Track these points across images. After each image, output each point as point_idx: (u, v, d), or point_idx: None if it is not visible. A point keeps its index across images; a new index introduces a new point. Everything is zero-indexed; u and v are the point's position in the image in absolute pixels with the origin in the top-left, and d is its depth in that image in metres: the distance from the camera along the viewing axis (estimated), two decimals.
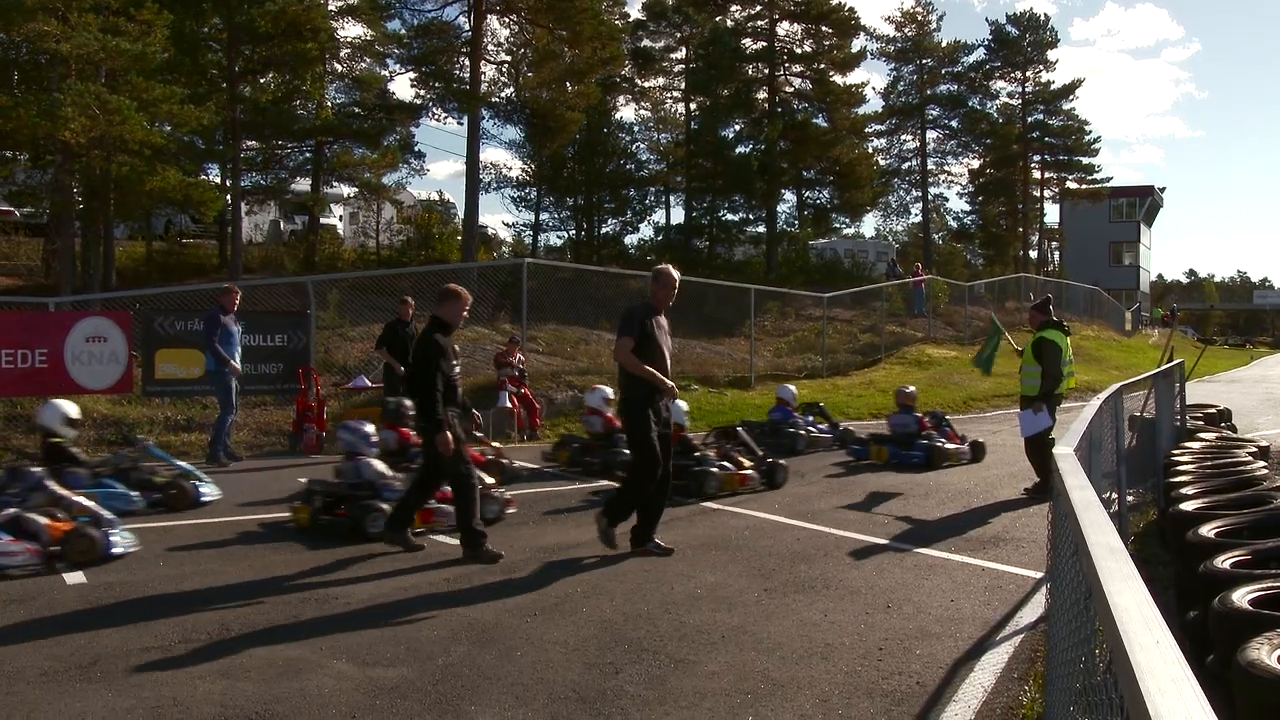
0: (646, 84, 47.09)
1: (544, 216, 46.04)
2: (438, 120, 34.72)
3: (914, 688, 5.42)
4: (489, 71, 32.95)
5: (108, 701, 5.02)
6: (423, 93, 33.36)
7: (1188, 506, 6.67)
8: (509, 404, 16.72)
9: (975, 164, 60.15)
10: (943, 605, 7.05)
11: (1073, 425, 5.14)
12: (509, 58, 33.69)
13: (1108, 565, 1.81)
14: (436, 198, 46.32)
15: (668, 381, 8.27)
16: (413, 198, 42.65)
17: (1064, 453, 3.67)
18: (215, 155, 27.93)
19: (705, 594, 7.26)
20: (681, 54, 46.44)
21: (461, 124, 32.66)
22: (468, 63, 30.78)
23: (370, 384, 17.06)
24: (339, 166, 31.34)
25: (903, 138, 59.13)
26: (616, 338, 8.47)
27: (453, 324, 8.73)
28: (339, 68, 32.03)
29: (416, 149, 35.31)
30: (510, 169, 42.93)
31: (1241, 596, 4.30)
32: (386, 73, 33.51)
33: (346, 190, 36.46)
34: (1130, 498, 10.13)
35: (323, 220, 34.51)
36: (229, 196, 26.84)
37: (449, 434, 8.12)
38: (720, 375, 23.54)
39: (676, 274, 8.77)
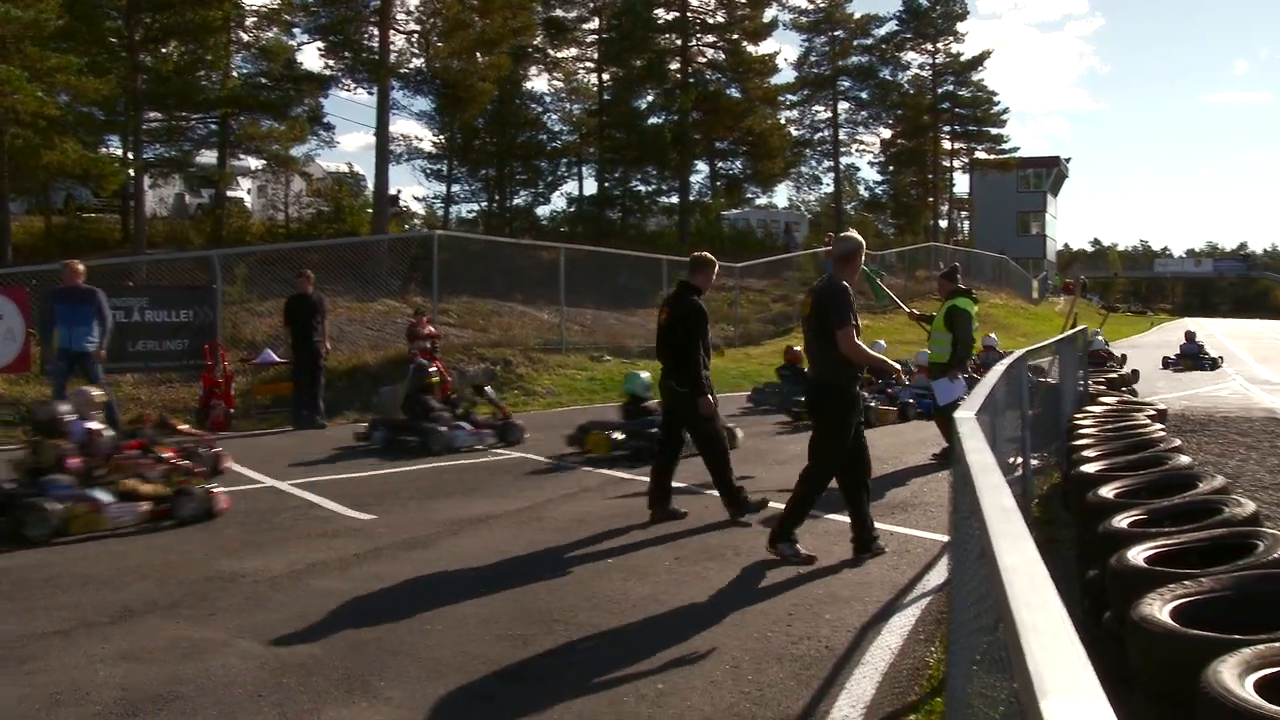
0: (559, 54, 46.71)
1: (455, 188, 45.66)
2: (347, 91, 33.91)
3: (823, 651, 5.45)
4: (398, 41, 32.29)
5: (1, 691, 4.86)
6: (331, 63, 32.68)
7: (1088, 469, 6.79)
8: None
9: (886, 134, 60.72)
10: (852, 570, 7.10)
11: (976, 391, 5.18)
12: (419, 27, 33.06)
13: (999, 526, 1.81)
14: (346, 170, 45.65)
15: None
16: (322, 170, 41.90)
17: (965, 417, 3.68)
18: (116, 127, 27.24)
19: (616, 563, 7.26)
20: (594, 24, 46.15)
21: (371, 95, 32.06)
22: (377, 32, 30.24)
23: (278, 359, 16.78)
24: (246, 138, 30.65)
25: (815, 108, 59.42)
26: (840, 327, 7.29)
27: (705, 290, 8.89)
28: (245, 36, 31.12)
29: (325, 120, 34.58)
30: (421, 140, 42.38)
31: (1137, 554, 4.37)
32: (294, 42, 32.69)
33: (254, 163, 35.70)
34: (1036, 461, 10.31)
35: (230, 193, 33.75)
36: (131, 170, 26.14)
37: (710, 397, 8.49)
38: (633, 346, 23.53)
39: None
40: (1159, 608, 3.64)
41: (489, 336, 21.20)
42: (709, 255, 8.99)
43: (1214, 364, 27.58)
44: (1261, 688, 2.90)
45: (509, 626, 5.78)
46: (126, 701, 4.70)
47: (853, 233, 8.00)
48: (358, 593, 6.46)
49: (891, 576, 6.94)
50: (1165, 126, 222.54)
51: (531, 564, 7.22)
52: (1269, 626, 3.39)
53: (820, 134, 59.67)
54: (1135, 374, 18.45)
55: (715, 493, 8.95)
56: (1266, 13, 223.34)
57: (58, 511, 7.91)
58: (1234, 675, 2.93)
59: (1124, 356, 25.60)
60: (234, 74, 30.78)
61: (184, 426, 10.86)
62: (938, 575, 6.83)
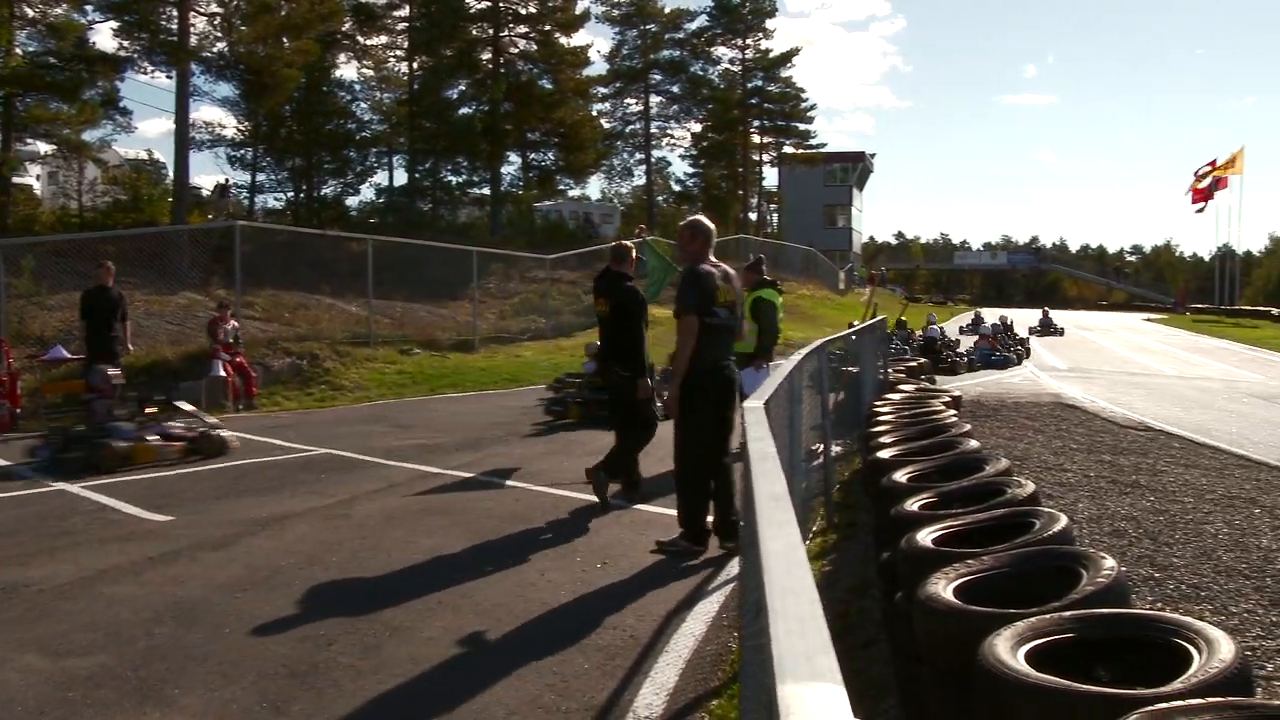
0: (368, 41, 45.97)
1: (261, 178, 44.42)
2: (145, 74, 32.37)
3: (628, 641, 5.50)
4: (199, 23, 31.21)
5: None
6: (126, 44, 31.36)
7: (884, 454, 6.99)
8: (222, 373, 16.02)
9: (697, 128, 61.67)
10: (658, 559, 7.18)
11: (769, 380, 5.28)
12: (221, 9, 32.00)
13: (767, 512, 1.84)
14: (145, 157, 43.79)
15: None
16: (119, 157, 40.14)
17: (752, 406, 3.74)
18: None
19: (423, 559, 7.16)
20: (404, 11, 45.49)
21: (170, 79, 31.00)
22: (176, 13, 29.17)
23: (69, 355, 15.97)
24: (33, 121, 29.21)
25: (627, 101, 60.00)
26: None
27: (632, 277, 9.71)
28: (30, 12, 29.55)
29: (121, 104, 33.07)
30: (224, 128, 40.94)
31: (925, 536, 4.52)
32: (85, 20, 31.16)
33: (43, 147, 33.89)
34: (839, 448, 10.58)
35: (16, 180, 32.03)
36: None
37: (648, 380, 9.18)
38: (444, 338, 23.31)
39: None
40: (943, 586, 3.76)
41: (295, 330, 20.68)
42: (628, 244, 9.76)
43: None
44: (1033, 658, 3.03)
45: (311, 627, 5.65)
46: None
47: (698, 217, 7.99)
48: (152, 598, 6.19)
49: (695, 564, 7.04)
50: (963, 125, 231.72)
51: (335, 562, 7.07)
52: (1043, 600, 3.54)
53: (632, 126, 60.28)
54: (926, 364, 19.16)
55: (524, 485, 8.94)
56: (1054, 20, 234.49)
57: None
58: (1008, 647, 3.05)
59: (957, 341, 29.45)
60: (18, 52, 29.15)
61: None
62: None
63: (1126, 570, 6.20)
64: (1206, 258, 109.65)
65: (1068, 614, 3.33)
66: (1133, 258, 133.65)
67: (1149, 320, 52.42)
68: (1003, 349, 28.29)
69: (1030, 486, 5.28)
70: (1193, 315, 63.10)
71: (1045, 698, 2.74)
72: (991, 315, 41.86)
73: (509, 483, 9.96)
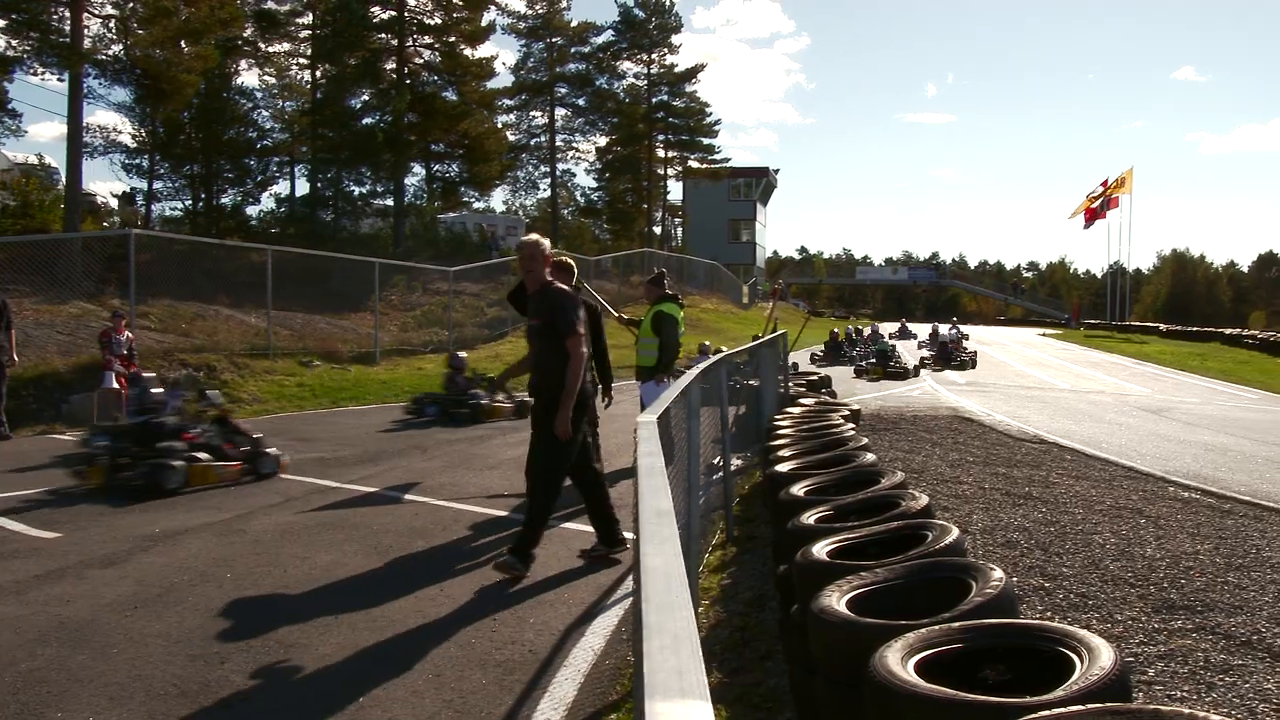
0: (270, 49, 45.37)
1: (159, 185, 43.40)
2: (36, 75, 31.39)
3: (527, 655, 5.48)
4: (93, 25, 30.38)
5: None
6: (15, 44, 30.43)
7: (782, 468, 7.05)
8: (115, 385, 15.64)
9: (602, 141, 61.84)
10: (557, 573, 7.17)
11: (663, 395, 5.30)
12: (116, 11, 31.22)
13: (651, 528, 1.85)
14: (36, 161, 42.59)
15: None
16: (8, 160, 39.01)
17: (645, 420, 3.75)
18: None
19: (321, 575, 7.06)
20: (307, 19, 44.98)
21: (63, 81, 30.14)
22: (68, 14, 28.40)
23: None
24: None
25: (532, 113, 60.00)
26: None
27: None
28: None
29: (10, 107, 32.21)
30: (120, 133, 40.01)
31: (820, 549, 4.57)
32: None
33: None
34: (739, 461, 10.67)
35: None
36: None
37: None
38: (344, 351, 23.04)
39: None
40: (836, 599, 3.81)
41: (192, 341, 20.28)
42: (570, 259, 9.70)
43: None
44: (922, 668, 3.08)
45: (203, 646, 5.53)
46: None
47: (531, 236, 7.67)
48: (37, 618, 6.01)
49: (596, 578, 7.05)
50: (865, 142, 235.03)
51: (229, 579, 6.93)
52: (934, 611, 3.61)
53: (537, 139, 60.30)
54: (827, 378, 19.39)
55: (424, 499, 8.85)
56: (953, 42, 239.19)
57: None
58: (898, 658, 3.10)
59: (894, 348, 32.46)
60: None
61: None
62: None
63: (1018, 580, 6.37)
64: (1099, 274, 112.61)
65: (956, 625, 3.40)
66: (1029, 274, 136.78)
67: (1044, 335, 53.62)
68: (960, 353, 33.56)
69: (924, 499, 5.37)
70: (1086, 330, 64.69)
71: (932, 707, 2.79)
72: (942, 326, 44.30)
73: (409, 497, 9.88)
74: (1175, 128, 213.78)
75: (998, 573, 3.87)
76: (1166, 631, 5.51)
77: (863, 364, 28.91)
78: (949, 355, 33.06)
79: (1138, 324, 70.75)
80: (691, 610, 1.42)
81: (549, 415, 7.12)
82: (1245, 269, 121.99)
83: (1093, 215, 69.85)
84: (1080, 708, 2.64)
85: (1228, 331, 55.10)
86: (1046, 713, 2.61)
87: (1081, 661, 3.02)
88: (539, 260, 7.30)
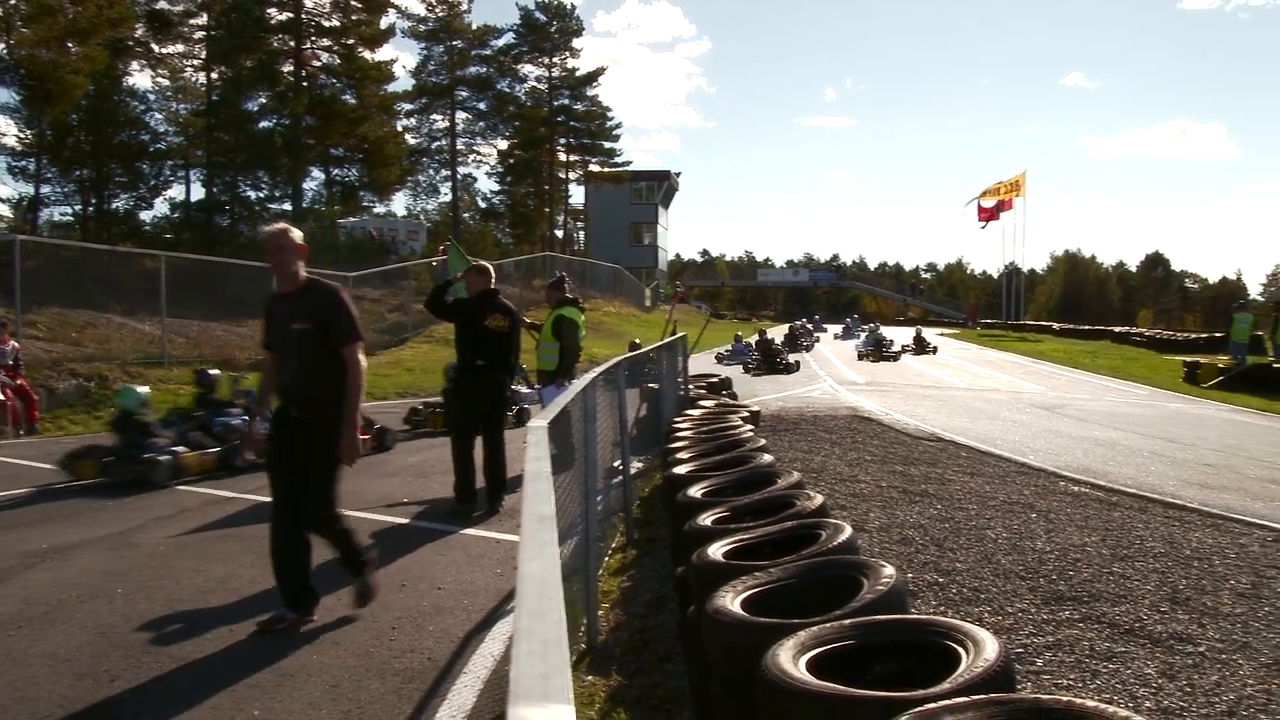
0: (163, 50, 44.41)
1: (46, 189, 42.19)
2: None
3: (425, 664, 5.44)
4: None
5: None
6: None
7: (681, 470, 7.10)
8: (1, 396, 15.21)
9: (504, 145, 61.60)
10: (457, 580, 7.13)
11: (558, 399, 5.30)
12: None
13: (531, 533, 1.86)
14: None
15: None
16: None
17: (536, 426, 3.76)
18: None
19: (215, 587, 6.93)
20: (202, 19, 44.11)
21: None
22: None
23: None
24: None
25: (433, 117, 59.59)
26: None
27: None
28: None
29: None
30: (5, 135, 38.84)
31: (716, 550, 4.61)
32: None
33: None
34: (640, 464, 10.70)
35: None
36: None
37: None
38: (242, 358, 22.62)
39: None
40: (731, 599, 3.86)
41: (82, 350, 19.76)
42: (487, 264, 10.33)
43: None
44: (814, 666, 3.13)
45: (92, 663, 5.40)
46: None
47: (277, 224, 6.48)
48: None
49: (497, 584, 7.01)
50: (766, 145, 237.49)
51: (120, 594, 6.77)
52: (827, 608, 3.66)
53: (438, 143, 59.95)
54: (728, 380, 19.52)
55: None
56: (851, 47, 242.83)
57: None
58: (790, 656, 3.14)
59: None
60: None
61: None
62: None
63: (913, 576, 6.49)
64: (995, 275, 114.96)
65: (848, 622, 3.46)
66: (928, 275, 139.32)
67: (942, 335, 54.45)
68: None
69: (819, 499, 5.44)
70: (982, 330, 65.97)
71: (822, 703, 2.83)
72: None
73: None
74: (1065, 132, 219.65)
75: (888, 569, 3.94)
76: (1055, 622, 5.65)
77: (749, 361, 31.32)
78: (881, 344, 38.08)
79: (1032, 323, 72.46)
80: (563, 615, 1.43)
81: (322, 441, 6.05)
82: (1134, 269, 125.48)
83: (988, 216, 71.37)
84: (965, 699, 2.71)
85: (1117, 329, 56.50)
86: (931, 705, 2.67)
87: (967, 654, 3.10)
88: (289, 252, 6.15)
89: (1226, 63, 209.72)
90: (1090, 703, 2.64)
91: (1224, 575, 6.79)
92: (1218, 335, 39.47)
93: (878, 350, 37.05)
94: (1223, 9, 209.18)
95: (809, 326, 50.51)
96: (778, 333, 45.99)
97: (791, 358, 32.37)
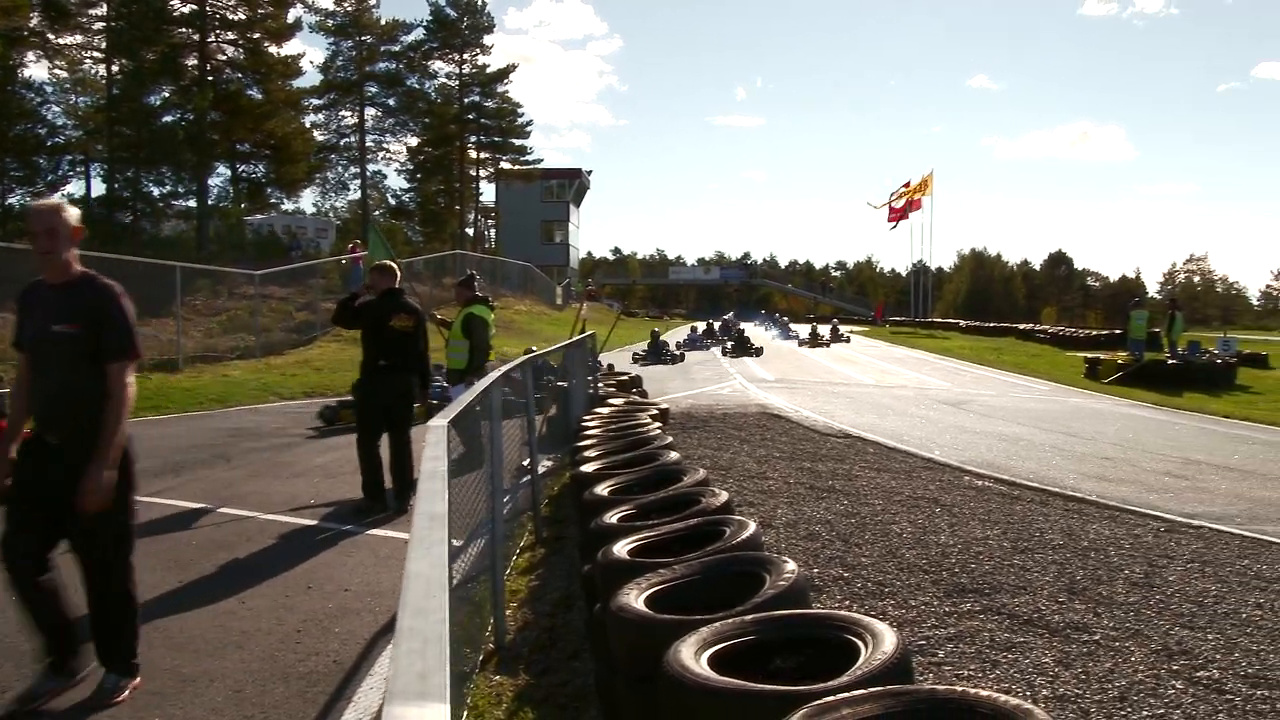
0: (60, 40, 43.27)
1: None
2: None
3: (331, 666, 5.39)
4: None
5: None
6: None
7: (588, 468, 7.10)
8: None
9: (414, 142, 61.13)
10: (364, 581, 7.07)
11: (460, 398, 5.28)
12: None
13: (421, 532, 1.85)
14: None
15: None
16: None
17: (435, 425, 3.74)
18: None
19: None
20: (101, 10, 43.08)
21: None
22: None
23: None
24: None
25: (341, 113, 58.88)
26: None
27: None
28: None
29: None
30: None
31: (621, 547, 4.63)
32: None
33: None
34: (550, 462, 10.70)
35: None
36: None
37: None
38: (145, 358, 22.15)
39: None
40: (634, 596, 3.87)
41: None
42: (392, 263, 10.40)
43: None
44: (716, 661, 3.16)
45: None
46: None
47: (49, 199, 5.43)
48: None
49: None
50: (678, 144, 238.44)
51: (12, 602, 6.59)
52: (731, 604, 3.69)
53: (347, 139, 59.26)
54: (638, 378, 19.57)
55: (229, 510, 8.59)
56: (761, 46, 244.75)
57: None
58: (691, 653, 3.16)
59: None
60: None
61: None
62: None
63: (819, 571, 6.56)
64: (903, 273, 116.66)
65: (749, 617, 3.49)
66: (837, 273, 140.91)
67: (853, 332, 55.15)
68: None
69: (724, 496, 5.48)
70: (891, 327, 66.92)
71: (723, 698, 2.86)
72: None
73: (211, 508, 9.58)
74: (971, 132, 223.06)
75: (790, 565, 3.99)
76: (956, 614, 5.76)
77: (640, 352, 34.60)
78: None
79: (940, 320, 73.88)
80: (446, 615, 1.43)
81: (77, 472, 4.85)
82: (1038, 267, 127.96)
83: (898, 216, 72.55)
84: (863, 691, 2.75)
85: (1022, 327, 57.64)
86: (830, 698, 2.71)
87: (866, 647, 3.15)
88: (60, 238, 5.03)
89: (1125, 67, 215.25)
90: (984, 693, 2.69)
91: (1119, 565, 6.98)
92: (1117, 332, 40.46)
93: (814, 339, 44.15)
94: (1120, 15, 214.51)
95: (729, 321, 52.15)
96: (679, 333, 47.14)
97: (756, 344, 37.82)
